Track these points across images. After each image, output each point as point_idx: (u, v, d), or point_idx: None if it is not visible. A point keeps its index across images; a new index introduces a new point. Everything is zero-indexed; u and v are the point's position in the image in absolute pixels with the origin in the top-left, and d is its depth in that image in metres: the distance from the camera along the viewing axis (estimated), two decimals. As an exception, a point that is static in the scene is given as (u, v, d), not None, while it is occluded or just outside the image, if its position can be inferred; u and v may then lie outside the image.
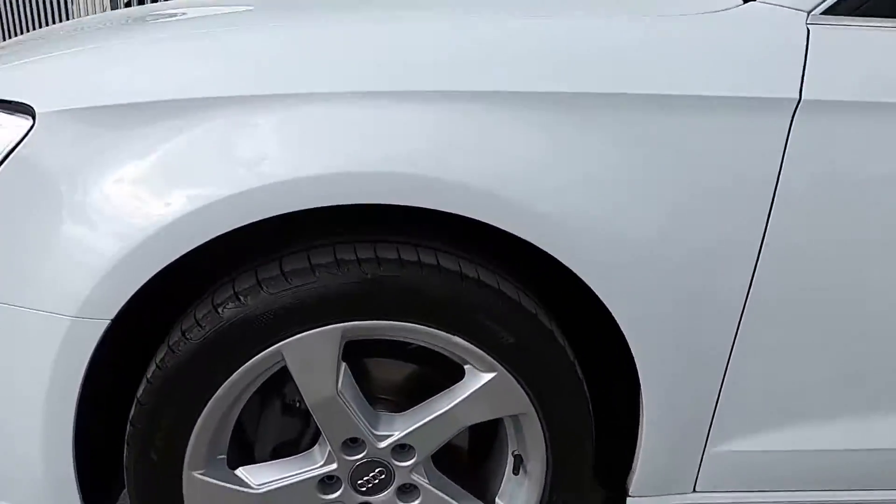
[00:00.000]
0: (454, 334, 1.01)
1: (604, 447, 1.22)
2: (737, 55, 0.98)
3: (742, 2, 1.04)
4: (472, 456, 1.29)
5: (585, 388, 1.10)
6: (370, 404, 1.08)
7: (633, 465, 1.17)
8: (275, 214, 0.91)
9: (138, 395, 1.01)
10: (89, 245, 0.93)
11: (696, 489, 1.23)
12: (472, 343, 1.01)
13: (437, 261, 1.00)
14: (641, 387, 1.07)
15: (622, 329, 1.02)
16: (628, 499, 1.22)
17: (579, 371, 1.09)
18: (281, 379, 1.11)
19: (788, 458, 1.19)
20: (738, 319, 1.06)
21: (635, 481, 1.19)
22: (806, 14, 0.98)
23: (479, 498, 1.19)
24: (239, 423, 1.13)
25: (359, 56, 0.98)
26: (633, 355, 1.05)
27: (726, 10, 1.02)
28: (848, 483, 1.22)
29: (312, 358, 0.99)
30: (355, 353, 1.08)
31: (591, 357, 1.15)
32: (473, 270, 1.01)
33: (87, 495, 1.07)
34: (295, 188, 0.91)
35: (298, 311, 0.96)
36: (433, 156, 0.93)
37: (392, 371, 1.16)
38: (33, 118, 0.92)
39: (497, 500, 1.21)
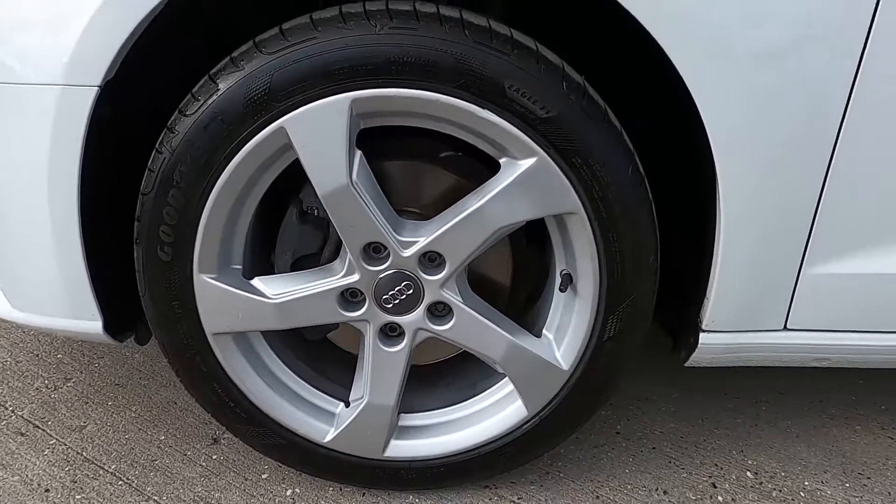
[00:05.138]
0: (483, 107, 0.84)
1: (672, 272, 1.03)
2: None
3: None
4: (517, 299, 1.14)
5: (647, 186, 0.91)
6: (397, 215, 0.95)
7: (708, 289, 0.98)
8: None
9: (142, 187, 0.93)
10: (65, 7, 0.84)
11: (789, 326, 1.02)
12: (504, 118, 0.85)
13: (461, 14, 0.83)
14: (719, 182, 0.88)
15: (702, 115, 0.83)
16: (701, 335, 1.02)
17: (639, 163, 0.90)
18: (296, 186, 1.00)
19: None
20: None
21: (710, 311, 0.99)
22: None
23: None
24: (256, 239, 1.04)
25: None
26: (712, 146, 0.85)
27: None
28: None
29: (319, 136, 0.87)
30: (378, 154, 0.95)
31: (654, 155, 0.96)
32: (506, 28, 0.84)
33: (106, 309, 1.02)
34: None
35: (299, 77, 0.83)
36: None
37: (420, 177, 1.02)
38: None
39: (544, 331, 1.05)
